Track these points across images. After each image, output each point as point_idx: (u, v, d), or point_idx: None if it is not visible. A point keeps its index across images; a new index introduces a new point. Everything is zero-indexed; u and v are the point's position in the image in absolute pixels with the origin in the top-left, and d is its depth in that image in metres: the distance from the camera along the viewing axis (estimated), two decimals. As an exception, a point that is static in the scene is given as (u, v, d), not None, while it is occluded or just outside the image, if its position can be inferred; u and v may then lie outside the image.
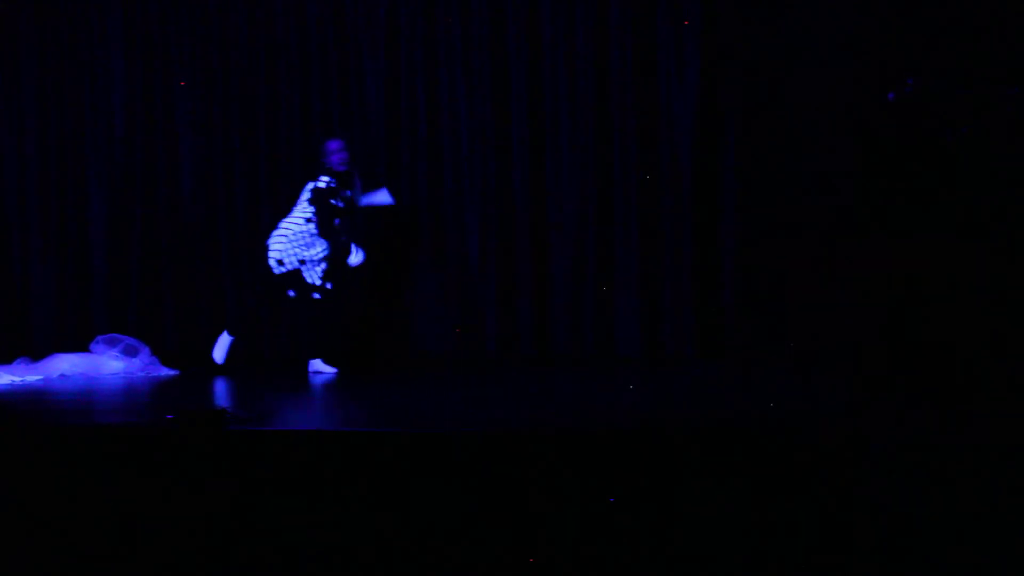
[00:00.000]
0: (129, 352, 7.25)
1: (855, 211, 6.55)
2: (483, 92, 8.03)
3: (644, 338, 7.78)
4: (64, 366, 7.07)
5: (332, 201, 6.95)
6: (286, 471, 4.01)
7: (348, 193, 7.08)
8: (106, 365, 7.15)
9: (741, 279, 7.58)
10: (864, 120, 5.89)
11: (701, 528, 3.75)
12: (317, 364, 7.03)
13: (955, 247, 5.05)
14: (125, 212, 8.62)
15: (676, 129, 7.70)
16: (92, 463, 4.18)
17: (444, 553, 3.84)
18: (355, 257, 7.07)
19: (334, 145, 7.01)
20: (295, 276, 6.96)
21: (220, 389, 6.30)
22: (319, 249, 6.98)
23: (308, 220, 6.95)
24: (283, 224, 7.02)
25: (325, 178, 6.95)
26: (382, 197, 7.28)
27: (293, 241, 6.96)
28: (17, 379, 6.72)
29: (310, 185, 6.99)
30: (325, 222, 6.93)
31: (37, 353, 7.63)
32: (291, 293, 7.00)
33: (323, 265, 7.00)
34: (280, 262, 6.96)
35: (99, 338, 7.37)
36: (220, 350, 7.09)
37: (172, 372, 7.27)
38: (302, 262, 6.95)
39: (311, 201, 6.96)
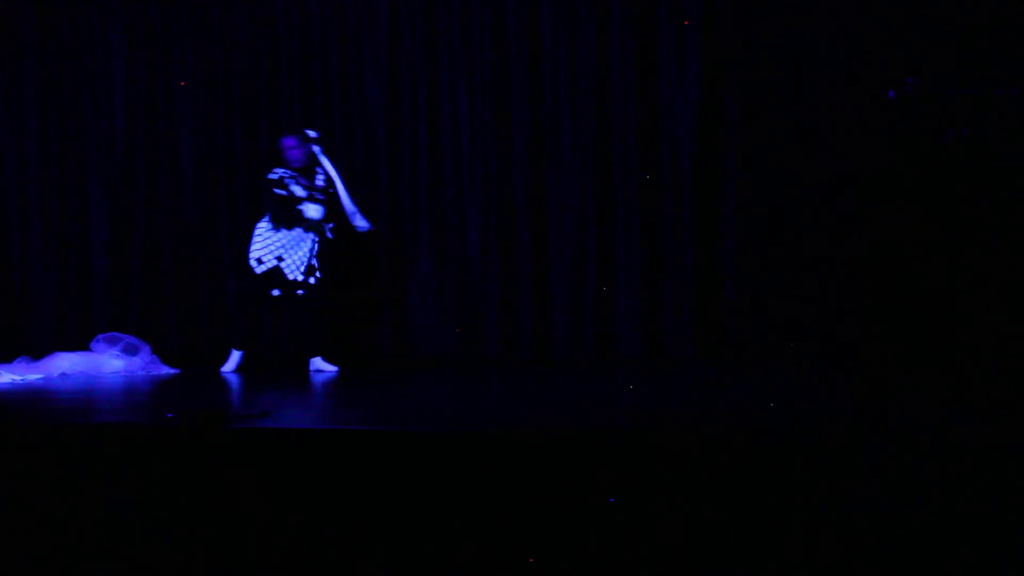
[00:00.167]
0: (129, 351, 7.25)
1: (855, 210, 6.55)
2: (483, 92, 8.03)
3: (644, 338, 7.79)
4: (64, 365, 7.08)
5: (277, 191, 7.01)
6: (286, 470, 4.01)
7: (305, 182, 7.10)
8: (106, 364, 7.15)
9: (741, 279, 7.58)
10: (865, 120, 5.89)
11: (701, 528, 3.75)
12: (317, 362, 7.05)
13: (955, 246, 5.05)
14: (125, 212, 8.63)
15: (676, 129, 7.71)
16: (92, 462, 4.18)
17: (444, 553, 3.84)
18: (360, 222, 7.15)
19: (288, 142, 7.11)
20: (276, 273, 7.01)
21: (221, 388, 6.30)
22: (304, 246, 7.02)
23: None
24: (259, 225, 7.10)
25: (279, 171, 7.07)
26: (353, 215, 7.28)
27: (268, 239, 7.02)
28: (18, 378, 6.72)
29: None
30: (275, 213, 7.01)
31: (38, 352, 7.63)
32: (275, 292, 7.04)
33: (304, 261, 7.03)
34: (260, 260, 7.02)
35: (99, 337, 7.38)
36: (231, 364, 7.16)
37: (172, 371, 7.27)
38: (280, 259, 6.99)
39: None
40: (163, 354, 7.59)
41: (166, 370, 7.27)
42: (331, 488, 3.95)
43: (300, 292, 7.02)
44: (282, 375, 6.98)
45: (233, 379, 6.72)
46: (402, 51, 8.18)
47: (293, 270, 7.02)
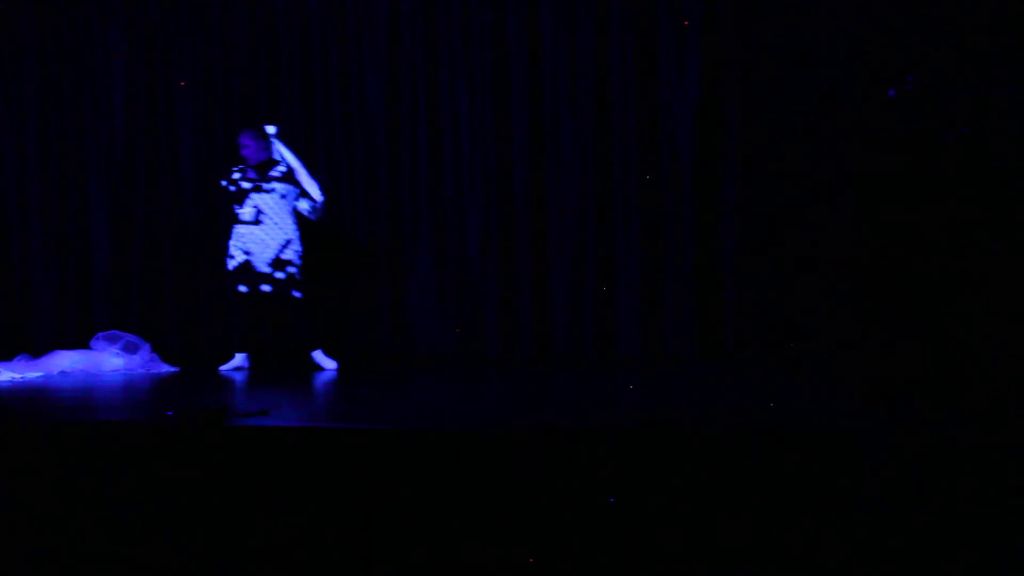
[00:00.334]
0: (129, 349, 7.26)
1: (855, 210, 6.55)
2: (483, 92, 8.04)
3: (644, 338, 7.79)
4: (64, 363, 7.08)
5: (224, 184, 7.22)
6: (286, 468, 4.01)
7: (254, 175, 7.18)
8: (106, 362, 7.16)
9: (741, 279, 7.59)
10: (864, 119, 5.89)
11: (701, 528, 3.75)
12: (318, 356, 7.10)
13: (955, 246, 5.05)
14: (125, 212, 8.63)
15: (676, 129, 7.71)
16: (92, 460, 4.18)
17: (444, 552, 3.83)
18: (317, 195, 7.24)
19: (242, 140, 7.23)
20: (247, 268, 7.09)
21: (221, 387, 6.30)
22: (274, 240, 7.07)
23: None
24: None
25: (234, 168, 7.26)
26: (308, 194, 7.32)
27: (236, 234, 7.16)
28: (17, 376, 6.72)
29: None
30: (230, 209, 7.20)
31: (38, 350, 7.64)
32: (241, 288, 7.07)
33: (272, 255, 7.05)
34: (231, 256, 7.15)
35: (99, 335, 7.39)
36: (232, 363, 7.19)
37: (172, 369, 7.28)
38: (248, 252, 7.08)
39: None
40: (163, 353, 7.60)
41: (166, 368, 7.28)
42: (331, 487, 3.95)
43: (266, 288, 7.03)
44: (282, 374, 6.98)
45: (233, 377, 6.72)
46: (402, 51, 8.18)
47: (260, 263, 7.07)
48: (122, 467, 4.13)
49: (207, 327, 8.43)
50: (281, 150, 7.26)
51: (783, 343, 7.26)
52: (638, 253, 7.79)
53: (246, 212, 7.12)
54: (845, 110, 6.58)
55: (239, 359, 7.23)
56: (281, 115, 8.37)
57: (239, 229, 7.14)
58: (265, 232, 7.07)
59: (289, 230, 7.12)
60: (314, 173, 8.28)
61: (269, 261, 7.06)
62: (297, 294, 7.10)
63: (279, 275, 7.07)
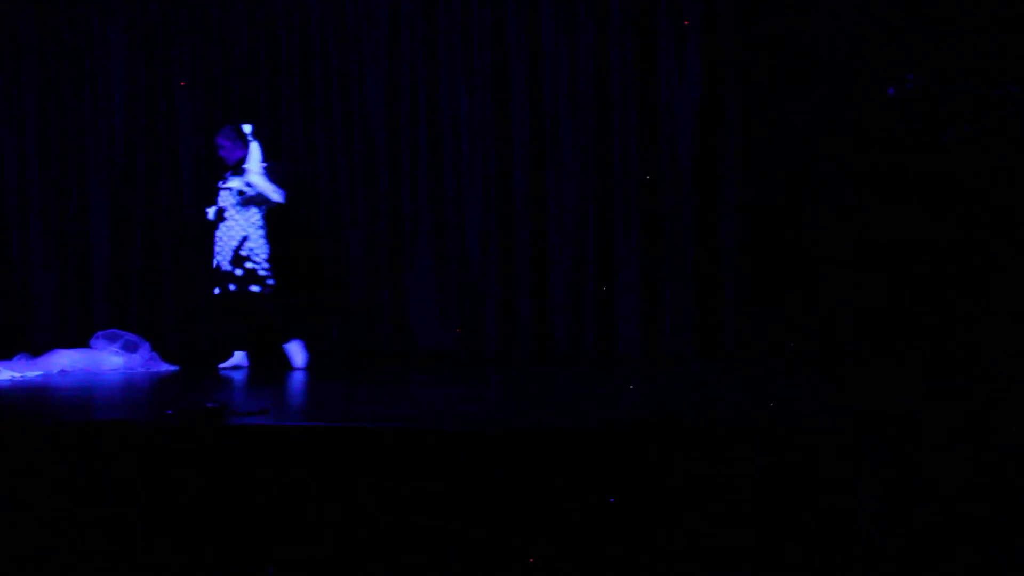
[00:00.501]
0: (129, 348, 7.26)
1: (855, 210, 6.55)
2: (483, 92, 8.04)
3: (644, 338, 7.78)
4: (64, 362, 7.08)
5: (219, 184, 7.35)
6: (285, 466, 4.00)
7: (227, 176, 7.28)
8: (106, 361, 7.16)
9: (741, 279, 7.58)
10: (864, 118, 5.89)
11: (701, 527, 3.75)
12: (292, 347, 7.11)
13: (956, 245, 5.05)
14: (125, 212, 8.63)
15: (676, 129, 7.71)
16: (92, 459, 4.18)
17: (444, 551, 3.83)
18: (276, 197, 7.26)
19: (218, 140, 7.36)
20: (216, 269, 7.22)
21: (220, 385, 6.30)
22: (234, 237, 7.15)
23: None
24: None
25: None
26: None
27: (216, 238, 7.27)
28: (17, 375, 6.72)
29: None
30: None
31: (37, 349, 7.63)
32: (216, 290, 7.20)
33: (232, 251, 7.09)
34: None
35: (99, 334, 7.39)
36: (231, 362, 7.19)
37: (172, 368, 7.28)
38: (217, 253, 7.23)
39: None
40: (163, 353, 7.59)
41: (165, 367, 7.28)
42: (330, 485, 3.95)
43: (232, 287, 7.06)
44: (282, 372, 6.98)
45: (232, 376, 6.72)
46: (402, 51, 8.18)
47: (224, 263, 7.15)
48: (122, 466, 4.13)
49: (207, 327, 8.42)
50: (254, 149, 7.27)
51: (783, 343, 7.27)
52: (638, 253, 7.79)
53: (210, 211, 7.22)
54: (845, 109, 6.58)
55: (239, 357, 7.23)
56: (281, 115, 8.37)
57: (217, 231, 7.26)
58: (226, 230, 7.13)
59: (246, 226, 7.13)
60: (314, 173, 8.30)
61: (229, 259, 7.09)
62: (256, 289, 7.10)
63: (238, 272, 7.10)
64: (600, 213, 7.86)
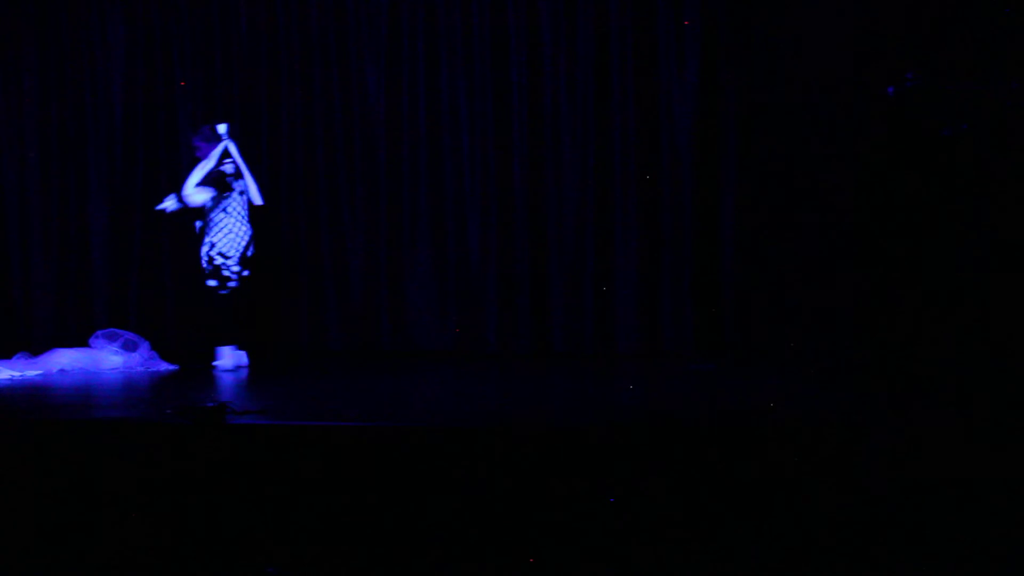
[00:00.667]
0: (128, 347, 7.24)
1: (855, 209, 6.55)
2: (484, 91, 8.03)
3: (643, 337, 7.78)
4: (63, 361, 7.07)
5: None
6: (285, 464, 4.01)
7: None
8: (106, 360, 7.15)
9: (741, 279, 7.58)
10: (864, 117, 5.89)
11: (700, 526, 3.75)
12: (224, 352, 7.08)
13: (956, 245, 5.05)
14: (125, 211, 8.62)
15: (676, 129, 7.71)
16: (91, 458, 4.18)
17: (443, 549, 3.83)
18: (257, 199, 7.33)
19: (193, 142, 7.35)
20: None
21: (220, 384, 6.30)
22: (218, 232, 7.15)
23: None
24: None
25: None
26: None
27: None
28: (16, 374, 6.72)
29: None
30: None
31: (37, 348, 7.62)
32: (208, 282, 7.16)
33: (237, 254, 7.11)
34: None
35: (98, 333, 7.37)
36: (230, 361, 7.17)
37: (171, 367, 7.27)
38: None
39: None
40: (162, 352, 7.58)
41: (165, 366, 7.27)
42: (329, 483, 3.95)
43: (210, 283, 7.07)
44: (282, 372, 6.98)
45: (231, 375, 6.72)
46: (402, 51, 8.18)
47: (206, 257, 7.14)
48: (121, 465, 4.13)
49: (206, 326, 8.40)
50: (230, 148, 7.26)
51: (783, 343, 7.27)
52: (638, 252, 7.79)
53: (198, 225, 7.30)
54: (845, 109, 6.58)
55: (238, 357, 7.20)
56: (281, 115, 8.36)
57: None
58: (226, 230, 7.13)
59: (209, 224, 7.13)
60: (315, 173, 8.29)
61: (205, 257, 7.11)
62: (211, 283, 7.08)
63: (203, 265, 7.11)
64: (599, 212, 7.86)
